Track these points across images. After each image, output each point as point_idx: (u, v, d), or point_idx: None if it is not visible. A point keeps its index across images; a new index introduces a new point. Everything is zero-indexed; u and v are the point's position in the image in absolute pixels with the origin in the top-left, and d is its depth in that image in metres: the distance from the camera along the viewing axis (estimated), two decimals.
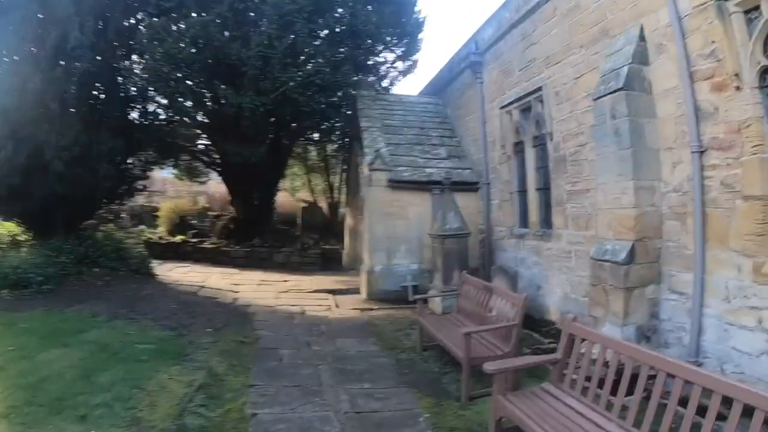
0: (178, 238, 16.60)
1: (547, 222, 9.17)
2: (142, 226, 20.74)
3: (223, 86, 10.81)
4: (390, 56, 16.87)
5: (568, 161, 8.18)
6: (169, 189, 26.45)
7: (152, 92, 11.43)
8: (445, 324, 6.60)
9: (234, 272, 13.51)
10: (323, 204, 22.62)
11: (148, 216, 22.74)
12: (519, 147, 10.13)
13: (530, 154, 9.62)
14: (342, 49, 11.73)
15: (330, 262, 15.51)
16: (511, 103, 10.05)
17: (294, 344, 7.13)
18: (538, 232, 9.22)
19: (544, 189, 9.23)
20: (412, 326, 8.23)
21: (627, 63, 6.46)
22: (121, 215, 23.78)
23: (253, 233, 15.81)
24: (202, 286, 11.14)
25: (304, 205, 22.09)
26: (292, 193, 25.22)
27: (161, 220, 19.58)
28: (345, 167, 18.83)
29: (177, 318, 8.04)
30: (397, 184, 10.91)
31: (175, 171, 20.71)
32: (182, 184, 24.36)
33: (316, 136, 19.91)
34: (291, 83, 10.48)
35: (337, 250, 16.62)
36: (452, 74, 13.20)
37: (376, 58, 16.45)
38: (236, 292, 10.90)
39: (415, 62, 17.17)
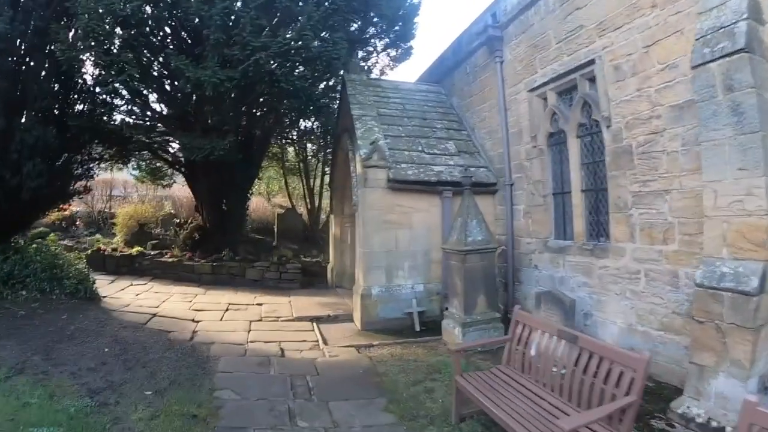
0: (135, 249, 14.11)
1: (598, 232, 7.28)
2: (98, 235, 18.23)
3: (178, 56, 8.36)
4: (380, 44, 15.01)
5: (636, 154, 6.33)
6: (133, 193, 23.91)
7: (91, 64, 8.91)
8: (501, 389, 4.44)
9: (198, 292, 11.17)
10: (302, 210, 20.47)
11: (108, 223, 20.26)
12: (556, 138, 8.18)
13: (573, 147, 7.64)
14: (333, 17, 9.24)
15: (312, 279, 13.22)
16: (545, 84, 8.13)
17: (270, 418, 4.84)
18: (587, 246, 7.23)
19: (595, 190, 7.33)
20: (432, 375, 6.12)
21: (742, 18, 4.64)
22: (76, 222, 21.29)
23: (221, 244, 13.39)
24: (155, 314, 8.78)
25: (280, 211, 19.89)
26: (268, 198, 22.97)
27: (118, 229, 17.08)
28: (329, 166, 16.70)
29: (107, 371, 5.75)
30: (399, 185, 8.76)
31: (135, 172, 18.35)
32: (147, 188, 21.95)
33: (294, 134, 17.79)
34: (265, 51, 8.10)
35: (320, 264, 14.38)
36: (460, 56, 11.16)
37: (366, 47, 14.51)
38: (197, 321, 8.56)
39: (408, 49, 15.22)
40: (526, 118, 8.66)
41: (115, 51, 8.17)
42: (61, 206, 12.39)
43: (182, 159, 14.66)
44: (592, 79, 7.13)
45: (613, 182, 6.69)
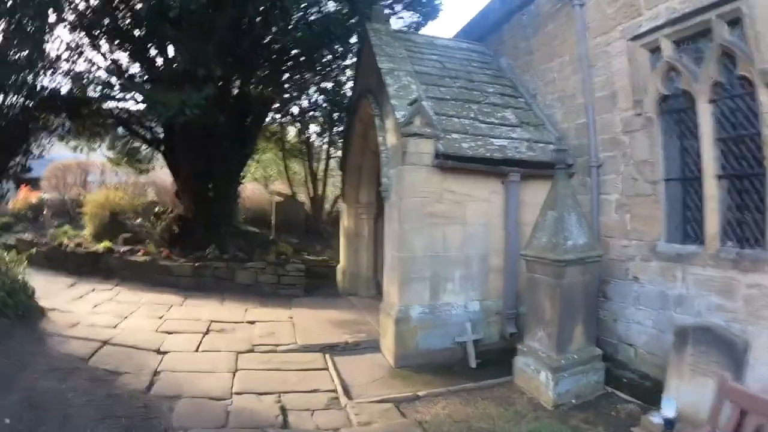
0: (102, 245, 11.58)
1: (742, 236, 4.94)
2: (66, 227, 15.68)
3: None
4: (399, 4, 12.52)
5: None
6: (112, 178, 21.25)
7: None
8: None
9: (173, 302, 8.69)
10: (304, 198, 17.98)
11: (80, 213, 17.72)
12: (672, 103, 5.79)
13: (705, 115, 5.23)
14: None
15: (319, 282, 10.76)
16: (656, 29, 5.70)
17: None
18: (726, 254, 4.88)
19: (738, 176, 4.99)
20: None
21: None
22: (43, 211, 18.77)
23: (206, 238, 10.86)
24: (106, 341, 6.28)
25: (279, 199, 17.34)
26: (265, 184, 20.43)
27: (86, 219, 14.44)
28: (337, 147, 14.32)
29: None
30: (451, 163, 6.28)
31: (109, 153, 15.78)
32: (128, 173, 19.35)
33: (295, 110, 15.19)
34: None
35: (327, 263, 11.93)
36: (512, 5, 8.70)
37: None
38: (163, 353, 6.07)
39: (435, 6, 12.71)
40: (624, 76, 6.22)
41: None
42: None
43: (161, 136, 12.17)
44: (735, 21, 4.76)
45: None
